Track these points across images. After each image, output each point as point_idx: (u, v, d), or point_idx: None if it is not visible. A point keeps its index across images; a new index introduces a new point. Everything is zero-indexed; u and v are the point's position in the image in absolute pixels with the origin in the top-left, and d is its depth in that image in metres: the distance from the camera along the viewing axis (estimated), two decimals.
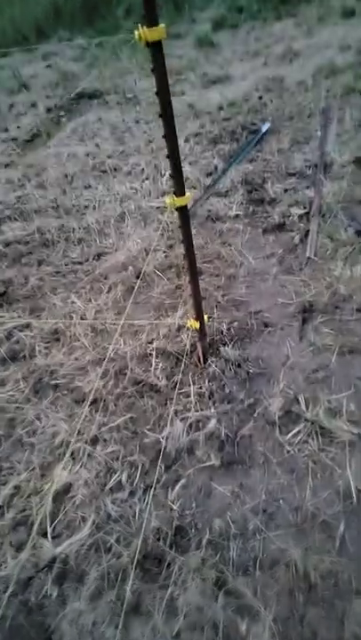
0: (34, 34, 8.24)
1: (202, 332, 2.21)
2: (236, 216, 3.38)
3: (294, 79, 5.40)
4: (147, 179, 4.05)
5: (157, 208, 3.62)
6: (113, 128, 5.19)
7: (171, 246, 3.22)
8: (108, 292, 2.98)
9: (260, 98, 5.07)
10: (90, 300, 2.93)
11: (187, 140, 4.49)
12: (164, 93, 1.46)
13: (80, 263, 3.27)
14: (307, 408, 1.99)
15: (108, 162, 4.44)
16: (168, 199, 1.78)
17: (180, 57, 6.74)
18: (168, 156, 1.64)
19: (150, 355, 2.43)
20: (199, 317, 2.16)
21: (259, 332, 2.46)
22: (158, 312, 2.74)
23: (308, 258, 2.86)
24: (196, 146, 4.36)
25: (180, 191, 1.76)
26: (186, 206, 1.81)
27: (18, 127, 5.71)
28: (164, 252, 3.18)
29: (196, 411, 2.07)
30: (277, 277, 2.81)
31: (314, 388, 2.09)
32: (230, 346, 2.37)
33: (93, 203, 3.85)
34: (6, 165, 4.96)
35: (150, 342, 2.52)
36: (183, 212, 1.83)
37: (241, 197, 3.52)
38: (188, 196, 1.78)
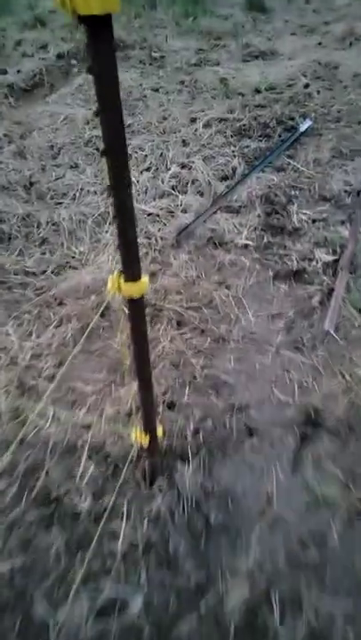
0: None
1: (151, 449, 1.52)
2: (245, 246, 2.60)
3: (351, 69, 4.46)
4: (147, 169, 3.24)
5: (149, 215, 2.83)
6: (126, 93, 4.31)
7: (154, 274, 2.47)
8: (58, 325, 2.25)
9: (307, 86, 4.16)
10: (30, 335, 2.22)
11: (207, 126, 3.64)
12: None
13: (34, 274, 2.53)
14: (281, 619, 1.30)
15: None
16: (110, 282, 1.07)
17: (225, 18, 5.73)
18: (115, 216, 0.92)
19: (81, 449, 1.74)
20: (149, 431, 1.46)
21: (238, 444, 1.75)
22: (112, 375, 2.03)
23: (327, 332, 2.11)
24: (216, 135, 3.52)
25: (131, 273, 1.05)
26: (140, 298, 1.09)
27: (18, 71, 4.82)
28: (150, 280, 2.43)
29: (118, 579, 1.39)
30: (280, 352, 2.08)
31: (299, 581, 1.40)
32: (192, 464, 1.67)
33: (74, 190, 3.06)
34: None
35: (87, 427, 1.82)
36: (135, 304, 1.11)
37: (256, 220, 2.74)
38: (144, 284, 1.07)
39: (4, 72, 4.84)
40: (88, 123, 3.84)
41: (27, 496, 1.61)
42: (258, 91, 4.12)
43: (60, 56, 5.05)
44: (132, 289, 1.06)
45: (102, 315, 2.29)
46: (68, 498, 1.62)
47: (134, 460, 1.67)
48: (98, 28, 0.67)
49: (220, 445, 1.75)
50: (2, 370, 2.07)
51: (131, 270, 1.03)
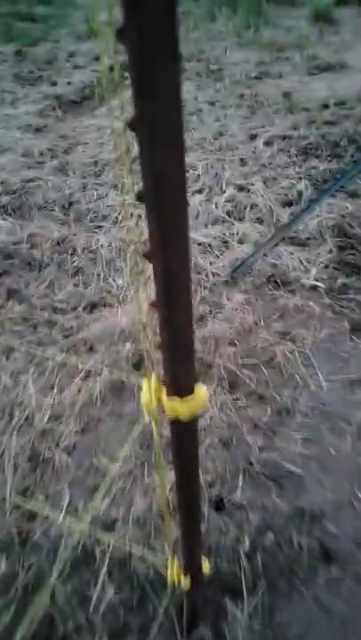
0: None
1: (192, 589, 1.08)
2: (314, 288, 2.14)
3: None
4: (199, 191, 2.85)
5: (199, 245, 2.43)
6: None
7: (202, 317, 2.06)
8: (85, 378, 1.87)
9: None
10: (51, 388, 1.85)
11: (269, 143, 3.22)
12: None
13: (63, 311, 2.17)
14: None
15: None
16: (146, 393, 0.66)
17: (288, 29, 5.34)
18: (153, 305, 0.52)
19: (100, 561, 1.33)
20: (190, 570, 1.02)
21: (310, 573, 1.29)
22: (146, 451, 1.62)
23: None
24: (279, 155, 3.09)
25: (179, 385, 0.62)
26: (195, 421, 0.67)
27: (68, 83, 4.60)
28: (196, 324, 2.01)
29: None
30: None
31: None
32: (247, 604, 1.22)
33: (116, 213, 2.71)
34: (37, 130, 3.88)
35: (111, 525, 1.41)
36: (182, 428, 0.68)
37: (328, 255, 2.27)
38: (199, 400, 0.64)
39: (54, 84, 4.64)
40: None
41: (24, 631, 1.20)
42: (326, 106, 3.67)
43: (111, 69, 4.79)
44: (180, 408, 0.64)
45: (138, 367, 1.89)
46: (77, 638, 1.20)
47: (169, 594, 1.24)
48: None
49: (285, 573, 1.29)
50: (14, 432, 1.70)
51: (178, 380, 0.62)
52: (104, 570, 1.34)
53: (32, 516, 1.49)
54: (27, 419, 1.75)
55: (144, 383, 0.69)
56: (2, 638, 1.22)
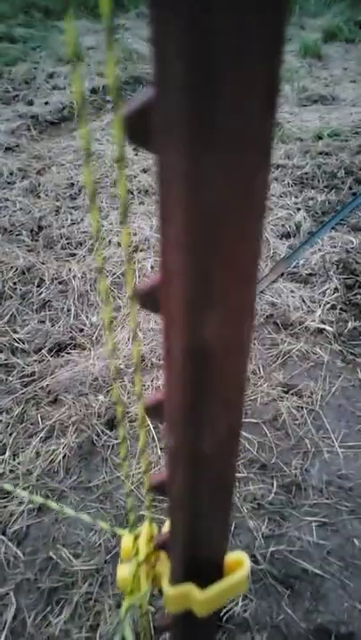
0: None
1: None
2: (320, 331, 1.86)
3: None
4: None
5: None
6: None
7: None
8: (46, 438, 1.52)
9: None
10: (2, 452, 1.48)
11: None
12: None
13: (25, 352, 1.82)
14: None
15: (140, 178, 3.00)
16: (127, 567, 0.28)
17: None
18: None
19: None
20: None
21: None
22: (116, 537, 1.26)
23: None
24: (273, 184, 2.87)
25: (204, 563, 0.24)
26: (216, 615, 0.31)
27: (46, 103, 4.36)
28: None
29: None
30: None
31: None
32: None
33: (92, 240, 2.40)
34: (7, 149, 3.59)
35: (88, 600, 1.04)
36: (196, 623, 0.32)
37: (334, 294, 2.01)
38: (241, 583, 0.26)
39: (30, 103, 4.39)
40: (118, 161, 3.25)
41: None
42: (320, 137, 3.51)
43: (94, 91, 4.60)
44: (197, 602, 0.31)
45: (112, 426, 1.55)
46: None
47: None
48: None
49: None
50: None
51: (198, 557, 0.29)
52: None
53: None
54: None
55: (125, 542, 0.36)
56: None
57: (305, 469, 1.41)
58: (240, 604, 1.13)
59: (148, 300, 0.24)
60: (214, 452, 0.26)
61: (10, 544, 1.25)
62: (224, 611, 1.12)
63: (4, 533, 1.28)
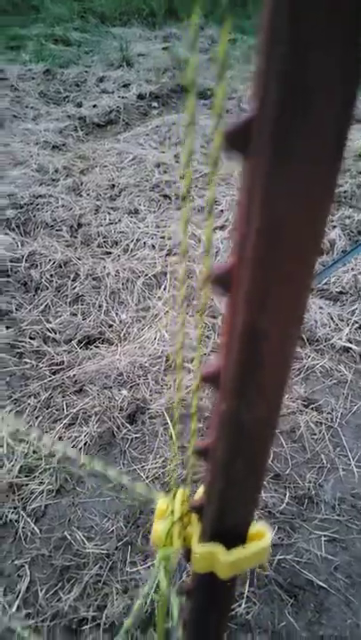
0: (163, 11, 7.11)
1: None
2: (347, 350, 1.88)
3: None
4: (221, 227, 2.63)
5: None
6: (207, 139, 3.83)
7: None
8: (70, 425, 1.58)
9: None
10: (28, 433, 1.54)
11: None
12: None
13: (56, 342, 1.89)
14: None
15: (178, 184, 3.07)
16: (162, 524, 0.32)
17: None
18: None
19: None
20: None
21: None
22: (131, 530, 1.30)
23: None
24: None
25: (231, 526, 0.28)
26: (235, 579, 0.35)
27: (94, 106, 4.49)
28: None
29: None
30: None
31: None
32: None
33: (128, 240, 2.47)
34: (54, 147, 3.72)
35: (78, 629, 1.08)
36: (217, 586, 0.37)
37: None
38: (263, 551, 0.31)
39: (79, 105, 4.53)
40: (159, 166, 3.33)
41: None
42: None
43: (140, 96, 4.72)
44: (221, 563, 0.35)
45: (132, 421, 1.60)
46: None
47: None
48: None
49: None
50: None
51: (227, 518, 0.33)
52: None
53: None
54: None
55: (160, 504, 0.40)
56: None
57: (319, 484, 1.43)
58: (243, 605, 1.15)
59: (221, 282, 0.28)
60: (256, 423, 0.30)
61: (28, 520, 1.31)
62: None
63: (23, 509, 1.33)
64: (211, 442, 0.32)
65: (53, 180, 3.14)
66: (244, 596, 1.16)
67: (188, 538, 0.37)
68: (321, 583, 1.20)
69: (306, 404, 1.65)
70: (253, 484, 0.35)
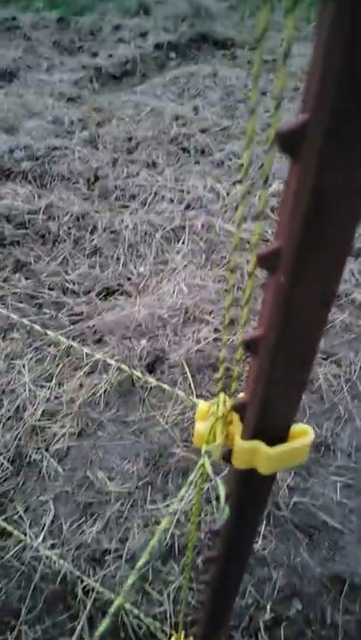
0: None
1: None
2: None
3: None
4: (240, 181, 2.57)
5: (240, 241, 2.15)
6: (227, 91, 3.70)
7: (234, 322, 1.78)
8: (90, 373, 1.60)
9: None
10: (49, 379, 1.58)
11: None
12: None
13: (75, 294, 1.90)
14: None
15: (197, 137, 2.98)
16: (205, 423, 0.33)
17: None
18: None
19: (81, 603, 1.05)
20: None
21: None
22: (151, 471, 1.34)
23: None
24: None
25: (274, 424, 0.29)
26: (273, 476, 0.36)
27: (110, 56, 4.33)
28: (217, 330, 1.74)
29: None
30: None
31: None
32: None
33: (146, 194, 2.44)
34: (69, 99, 3.62)
35: (99, 559, 1.14)
36: (255, 482, 0.38)
37: None
38: (304, 448, 0.32)
39: (95, 55, 4.38)
40: (177, 119, 3.24)
41: None
42: None
43: (158, 46, 4.53)
44: (263, 458, 0.36)
45: (151, 370, 1.62)
46: None
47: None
48: None
49: None
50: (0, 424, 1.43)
51: (270, 416, 0.34)
52: (85, 614, 1.07)
53: (6, 531, 1.22)
54: (16, 411, 1.49)
55: (203, 406, 0.41)
56: None
57: (336, 433, 1.45)
58: (260, 542, 1.19)
59: (269, 261, 0.28)
60: (305, 316, 0.30)
61: (52, 460, 1.36)
62: None
63: (46, 450, 1.38)
64: (260, 332, 0.32)
65: (69, 132, 3.07)
66: (261, 533, 1.20)
67: (229, 436, 0.38)
68: (335, 524, 1.24)
69: (325, 357, 1.65)
70: (298, 380, 0.35)
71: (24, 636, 1.07)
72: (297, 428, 0.38)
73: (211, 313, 1.81)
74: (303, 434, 0.37)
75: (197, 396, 1.53)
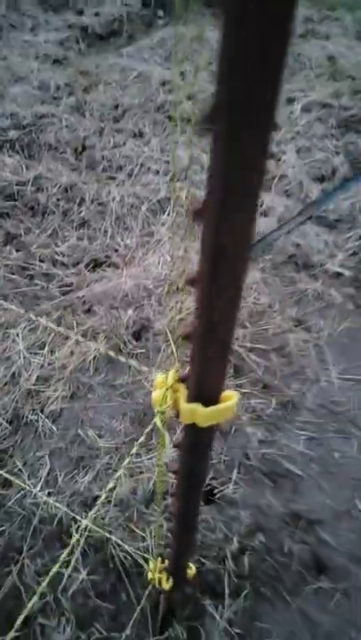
0: None
1: (173, 587, 0.98)
2: (338, 275, 1.98)
3: None
4: None
5: None
6: (215, 55, 3.65)
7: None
8: (80, 341, 1.73)
9: None
10: (42, 347, 1.71)
11: (306, 110, 2.97)
12: None
13: (64, 265, 2.01)
14: None
15: (185, 105, 2.99)
16: (158, 384, 0.49)
17: None
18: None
19: (74, 539, 1.23)
20: (174, 574, 0.92)
21: (299, 582, 1.20)
22: (136, 428, 1.50)
23: None
24: (316, 123, 2.85)
25: (203, 390, 0.45)
26: (209, 428, 0.51)
27: (96, 14, 4.23)
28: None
29: None
30: None
31: None
32: (228, 607, 1.13)
33: (133, 165, 2.49)
34: (55, 61, 3.58)
35: (91, 504, 1.31)
36: (196, 434, 0.53)
37: (358, 242, 2.10)
38: (228, 409, 0.48)
39: (81, 12, 4.26)
40: (164, 84, 3.23)
41: None
42: None
43: (145, 4, 4.41)
44: (201, 417, 0.50)
45: (137, 337, 1.75)
46: (41, 619, 1.12)
47: (146, 586, 1.15)
48: None
49: (271, 580, 1.19)
50: None
51: (204, 384, 0.48)
52: (79, 549, 1.24)
53: (7, 482, 1.38)
54: (13, 376, 1.62)
55: (158, 377, 0.54)
56: None
57: (302, 392, 1.61)
58: (231, 487, 1.37)
59: (197, 214, 0.39)
60: (225, 304, 0.42)
61: (46, 420, 1.51)
62: (217, 491, 1.36)
63: (41, 411, 1.53)
64: (194, 327, 0.45)
65: (55, 98, 3.07)
66: (232, 480, 1.38)
67: (177, 401, 0.51)
68: (298, 471, 1.41)
69: (296, 324, 1.80)
70: (222, 358, 0.48)
71: (27, 568, 1.25)
72: (226, 393, 0.51)
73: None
74: (230, 398, 0.50)
75: (178, 362, 1.67)
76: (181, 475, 0.62)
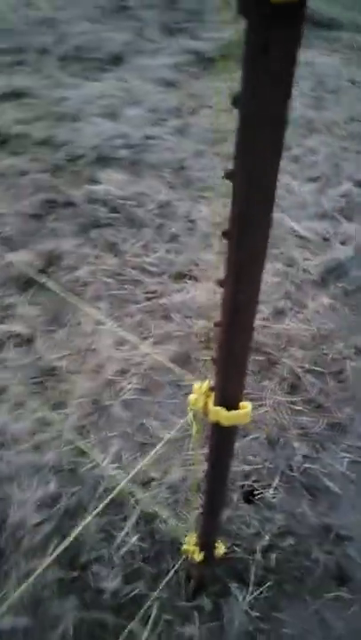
0: None
1: (202, 564, 1.17)
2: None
3: None
4: (313, 179, 2.74)
5: (298, 237, 2.37)
6: (318, 81, 3.75)
7: (281, 312, 2.04)
8: (157, 343, 1.98)
9: None
10: (123, 344, 1.97)
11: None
12: None
13: (151, 274, 2.27)
14: None
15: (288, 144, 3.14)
16: (195, 392, 0.72)
17: None
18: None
19: (132, 509, 1.46)
20: (204, 549, 1.11)
21: (320, 587, 1.32)
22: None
23: None
24: None
25: (226, 397, 0.67)
26: (232, 428, 0.72)
27: (210, 39, 4.50)
28: (264, 319, 2.02)
29: None
30: None
31: None
32: (250, 594, 1.29)
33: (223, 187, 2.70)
34: (168, 84, 3.90)
35: (147, 483, 1.53)
36: (222, 432, 0.74)
37: None
38: (243, 415, 0.69)
39: (196, 37, 4.57)
40: None
41: (56, 545, 1.38)
42: None
43: None
44: (223, 418, 0.69)
45: (207, 346, 1.95)
46: (96, 567, 1.36)
47: (182, 560, 1.34)
48: None
49: (295, 579, 1.33)
50: (84, 375, 1.86)
51: (226, 395, 0.67)
52: (133, 519, 1.47)
53: (82, 453, 1.65)
54: (97, 365, 1.90)
55: (195, 386, 0.74)
56: (38, 546, 1.41)
57: (353, 418, 1.70)
58: (271, 492, 1.52)
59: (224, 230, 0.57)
60: (247, 304, 0.60)
61: (119, 407, 1.76)
62: (257, 492, 1.52)
63: (116, 399, 1.79)
64: (217, 353, 0.64)
65: (163, 120, 3.37)
66: (273, 486, 1.52)
67: (207, 404, 0.71)
68: (336, 490, 1.52)
69: (357, 352, 1.88)
70: (239, 376, 0.66)
71: (92, 526, 1.51)
72: (243, 403, 0.69)
73: (261, 303, 2.08)
74: (245, 407, 0.69)
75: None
76: (210, 463, 0.81)
